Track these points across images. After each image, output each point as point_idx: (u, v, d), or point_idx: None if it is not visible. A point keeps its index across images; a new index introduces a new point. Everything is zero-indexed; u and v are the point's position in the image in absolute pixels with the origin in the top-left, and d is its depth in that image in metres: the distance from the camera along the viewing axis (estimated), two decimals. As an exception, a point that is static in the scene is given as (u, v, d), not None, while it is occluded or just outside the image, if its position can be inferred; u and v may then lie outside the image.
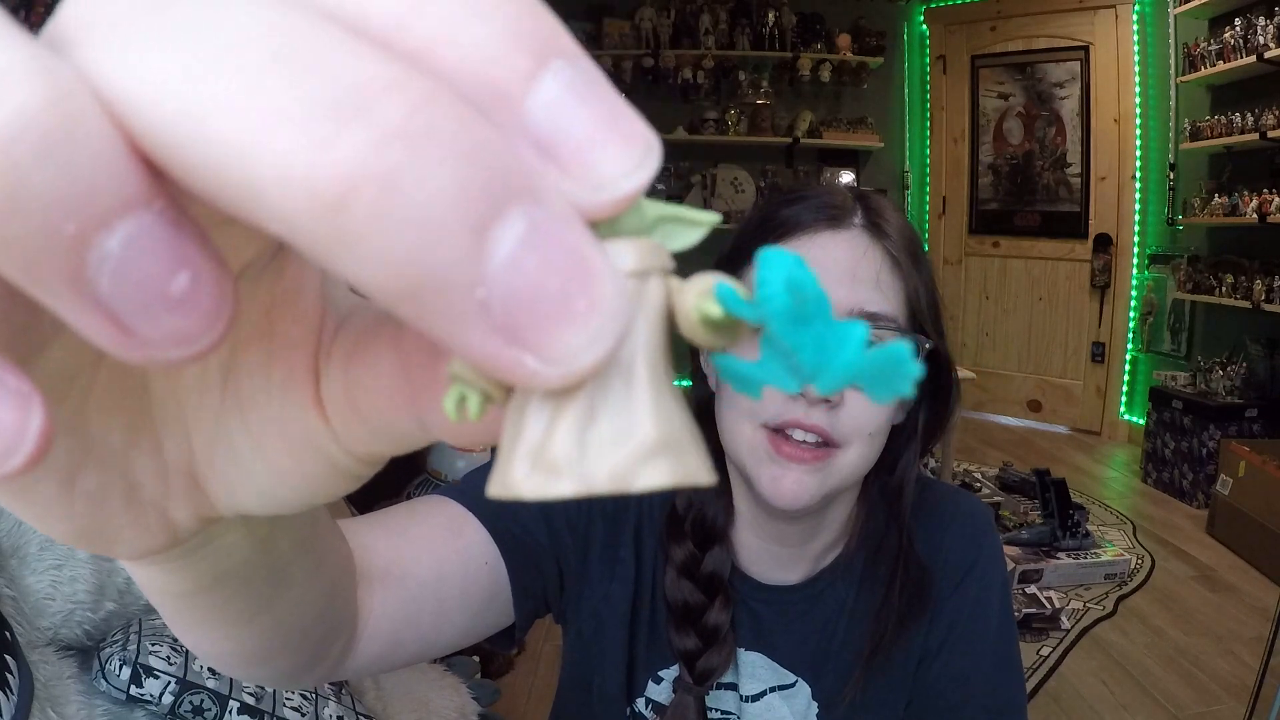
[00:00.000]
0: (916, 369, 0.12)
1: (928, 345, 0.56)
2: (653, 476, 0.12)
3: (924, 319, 0.56)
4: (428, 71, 0.11)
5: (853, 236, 0.55)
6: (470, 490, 0.57)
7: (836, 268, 0.54)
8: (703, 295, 0.13)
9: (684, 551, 0.62)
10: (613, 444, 0.12)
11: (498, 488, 0.13)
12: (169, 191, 0.11)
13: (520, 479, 0.12)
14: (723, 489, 0.63)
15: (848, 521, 0.66)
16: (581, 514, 0.62)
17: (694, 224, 0.14)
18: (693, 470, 0.13)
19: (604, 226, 0.13)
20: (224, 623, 0.25)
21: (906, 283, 0.55)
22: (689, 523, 0.63)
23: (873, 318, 0.53)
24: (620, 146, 0.12)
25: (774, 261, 0.12)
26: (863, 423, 0.55)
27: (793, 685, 0.65)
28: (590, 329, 0.11)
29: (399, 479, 2.33)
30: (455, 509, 0.55)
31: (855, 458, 0.56)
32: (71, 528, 0.16)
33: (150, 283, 0.10)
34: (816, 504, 0.57)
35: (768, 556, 0.65)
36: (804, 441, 0.54)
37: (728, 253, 0.61)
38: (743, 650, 0.65)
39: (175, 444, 0.17)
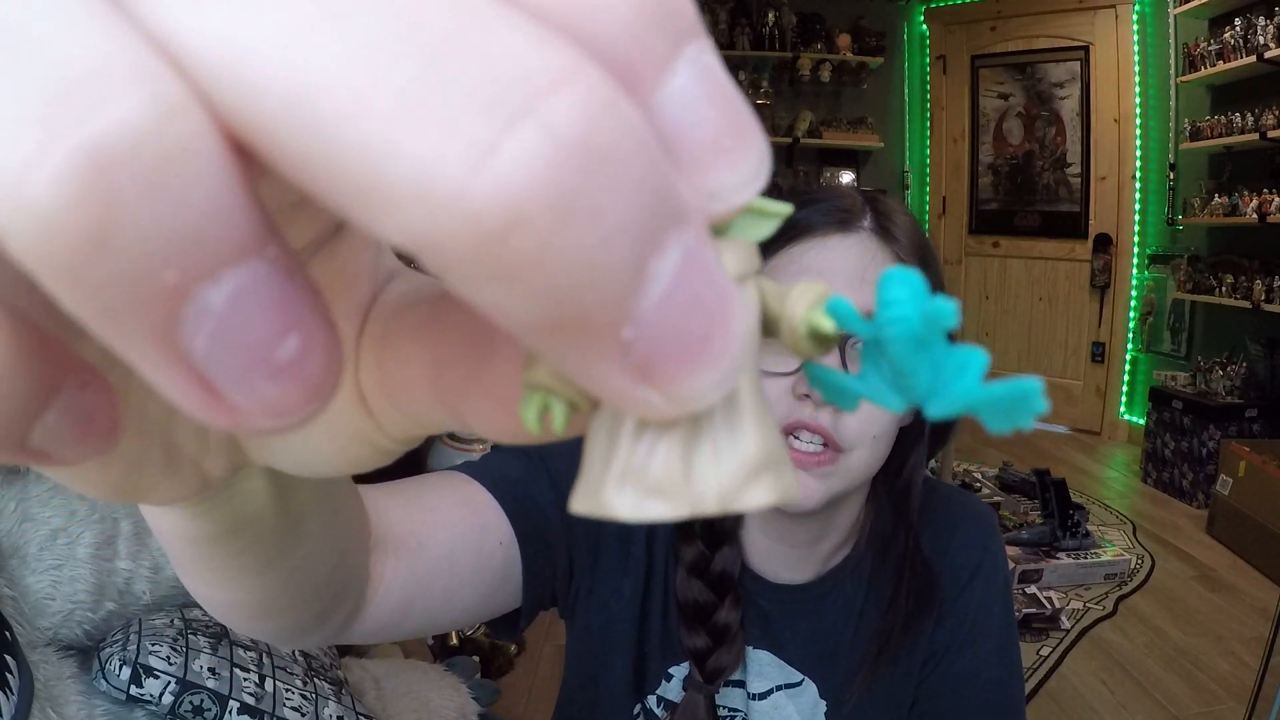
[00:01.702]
0: (1043, 405, 0.11)
1: None
2: (758, 495, 0.12)
3: None
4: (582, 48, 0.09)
5: (861, 240, 0.55)
6: (490, 470, 0.57)
7: (846, 271, 0.54)
8: (814, 308, 0.12)
9: (694, 551, 0.62)
10: (718, 463, 0.12)
11: (587, 504, 0.12)
12: (281, 234, 0.09)
13: (614, 497, 0.12)
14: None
15: (856, 522, 0.66)
16: None
17: (769, 215, 0.13)
18: (790, 486, 0.12)
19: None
20: (237, 571, 0.25)
21: None
22: (699, 522, 0.63)
23: None
24: (741, 153, 0.10)
25: (901, 280, 0.12)
26: (868, 426, 0.55)
27: (799, 684, 0.65)
28: (721, 370, 0.10)
29: (399, 479, 2.33)
30: (474, 487, 0.55)
31: (861, 461, 0.56)
32: (107, 489, 0.16)
33: (254, 346, 0.09)
34: (822, 507, 0.57)
35: (776, 556, 0.65)
36: (810, 446, 0.54)
37: None
38: (751, 648, 0.65)
39: None
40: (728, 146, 0.10)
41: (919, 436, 0.62)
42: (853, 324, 0.12)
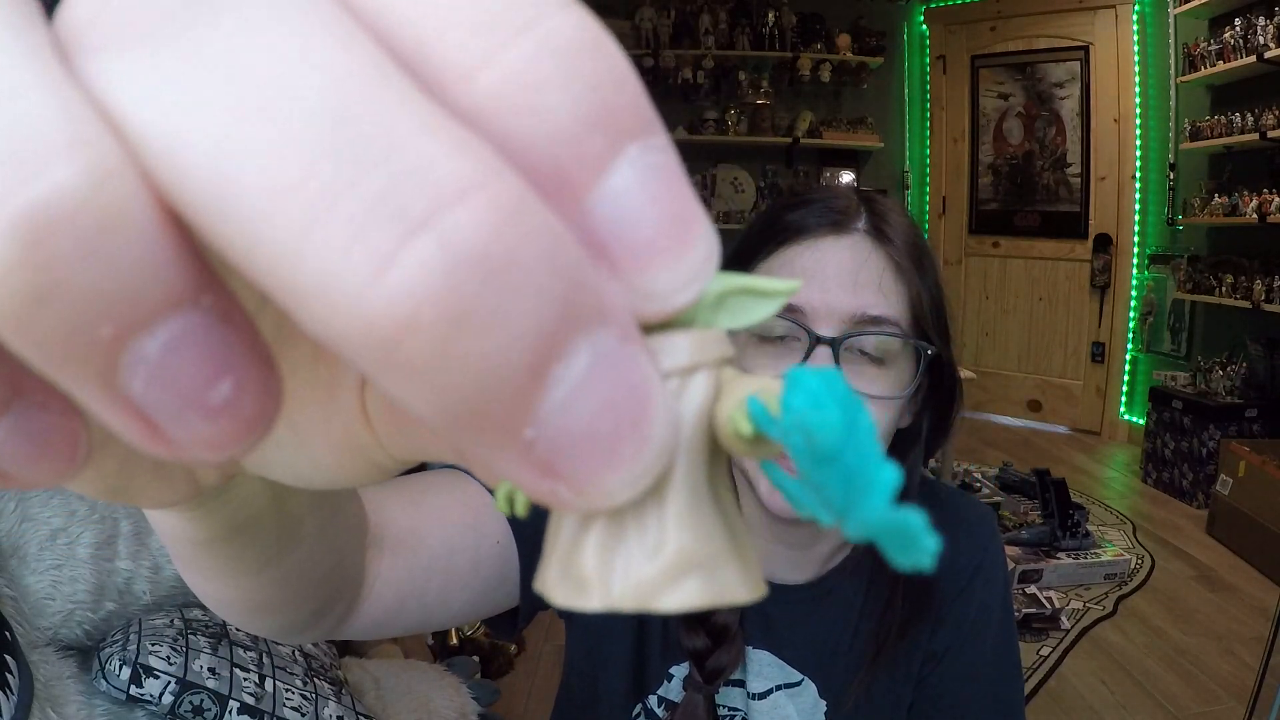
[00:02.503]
0: (933, 544, 0.10)
1: (930, 351, 0.56)
2: (678, 597, 0.11)
3: (927, 324, 0.56)
4: (498, 154, 0.09)
5: (856, 241, 0.55)
6: None
7: (839, 272, 0.54)
8: (738, 408, 0.12)
9: None
10: (639, 561, 0.11)
11: (538, 585, 0.12)
12: (221, 282, 0.10)
13: (553, 584, 0.12)
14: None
15: None
16: None
17: (767, 296, 0.13)
18: (728, 588, 0.12)
19: None
20: (235, 571, 0.25)
21: (909, 288, 0.55)
22: None
23: (875, 321, 0.53)
24: (680, 253, 0.10)
25: (801, 385, 0.10)
26: None
27: (799, 684, 0.65)
28: (634, 472, 0.10)
29: (397, 476, 2.33)
30: (473, 487, 0.55)
31: None
32: (98, 487, 0.16)
33: (188, 389, 0.09)
34: (815, 527, 0.57)
35: (775, 557, 0.65)
36: None
37: (731, 256, 0.60)
38: (751, 648, 0.65)
39: None
40: (664, 246, 0.10)
41: (916, 438, 0.62)
42: (770, 429, 0.11)
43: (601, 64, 0.10)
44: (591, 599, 0.12)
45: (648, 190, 0.10)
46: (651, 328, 0.12)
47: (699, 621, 0.62)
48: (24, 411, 0.10)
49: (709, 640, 0.61)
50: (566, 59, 0.09)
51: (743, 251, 0.60)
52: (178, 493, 0.18)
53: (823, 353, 0.52)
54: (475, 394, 0.09)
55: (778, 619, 0.65)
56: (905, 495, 0.63)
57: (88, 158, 0.08)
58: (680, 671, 0.65)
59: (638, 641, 0.65)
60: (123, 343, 0.09)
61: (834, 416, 0.10)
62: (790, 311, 0.53)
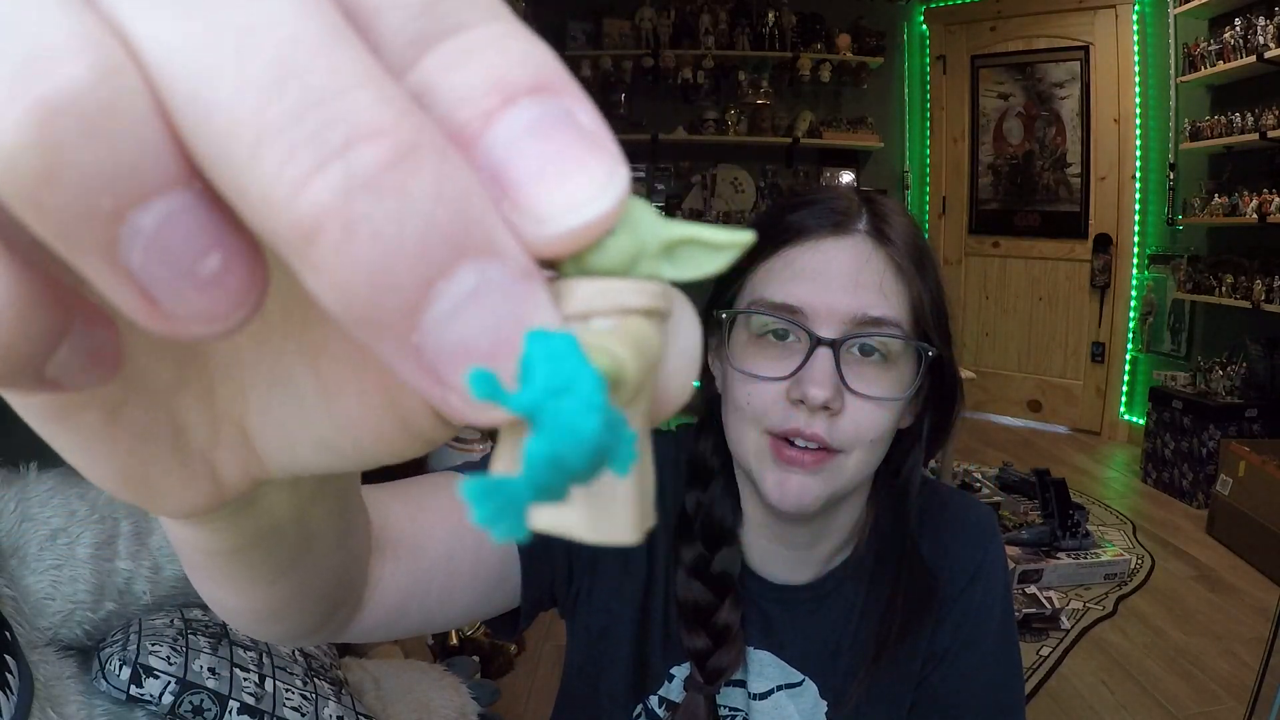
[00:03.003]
0: (596, 399, 0.11)
1: (930, 353, 0.56)
2: (552, 520, 0.12)
3: (928, 325, 0.56)
4: (418, 109, 0.11)
5: (857, 243, 0.55)
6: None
7: (841, 274, 0.54)
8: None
9: (693, 552, 0.62)
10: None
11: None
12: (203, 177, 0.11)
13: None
14: (731, 489, 0.63)
15: (857, 524, 0.66)
16: None
17: (717, 248, 0.13)
18: (607, 529, 0.12)
19: (588, 256, 0.12)
20: (249, 581, 0.25)
21: (910, 289, 0.55)
22: (698, 524, 0.63)
23: (876, 323, 0.53)
24: (566, 176, 0.12)
25: (541, 361, 0.11)
26: (864, 429, 0.55)
27: (800, 684, 0.65)
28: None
29: (399, 479, 2.33)
30: None
31: (857, 462, 0.56)
32: (114, 468, 0.16)
33: (180, 261, 0.11)
34: (820, 507, 0.57)
35: (777, 558, 0.65)
36: (806, 447, 0.54)
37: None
38: (751, 649, 0.65)
39: (229, 390, 0.17)
40: (550, 173, 0.12)
41: (917, 438, 0.62)
42: (506, 402, 0.11)
43: (515, 45, 0.12)
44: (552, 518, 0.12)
45: (534, 130, 0.12)
46: (569, 273, 0.13)
47: (700, 622, 0.62)
48: (80, 331, 0.12)
49: (710, 640, 0.61)
50: (484, 37, 0.12)
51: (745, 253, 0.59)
52: (199, 495, 0.17)
53: (823, 354, 0.52)
54: (367, 295, 0.11)
55: (778, 619, 0.65)
56: (906, 495, 0.63)
57: (95, 56, 0.10)
58: (681, 672, 0.65)
59: (638, 642, 0.65)
60: (122, 215, 0.10)
61: (592, 422, 0.11)
62: (791, 313, 0.53)
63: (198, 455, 0.17)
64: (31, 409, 0.15)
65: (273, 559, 0.24)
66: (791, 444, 0.54)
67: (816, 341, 0.53)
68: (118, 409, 0.15)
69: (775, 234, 0.56)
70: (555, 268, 0.13)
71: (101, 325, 0.13)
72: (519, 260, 0.12)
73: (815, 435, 0.54)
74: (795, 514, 0.56)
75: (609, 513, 0.13)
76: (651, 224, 0.13)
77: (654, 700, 0.66)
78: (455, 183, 0.11)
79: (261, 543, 0.23)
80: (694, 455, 0.65)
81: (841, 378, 0.53)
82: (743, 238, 0.13)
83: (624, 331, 0.12)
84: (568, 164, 0.12)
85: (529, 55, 0.12)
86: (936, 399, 0.61)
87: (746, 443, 0.57)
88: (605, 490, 0.13)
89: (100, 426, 0.15)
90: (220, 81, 0.10)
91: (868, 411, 0.54)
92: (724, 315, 0.57)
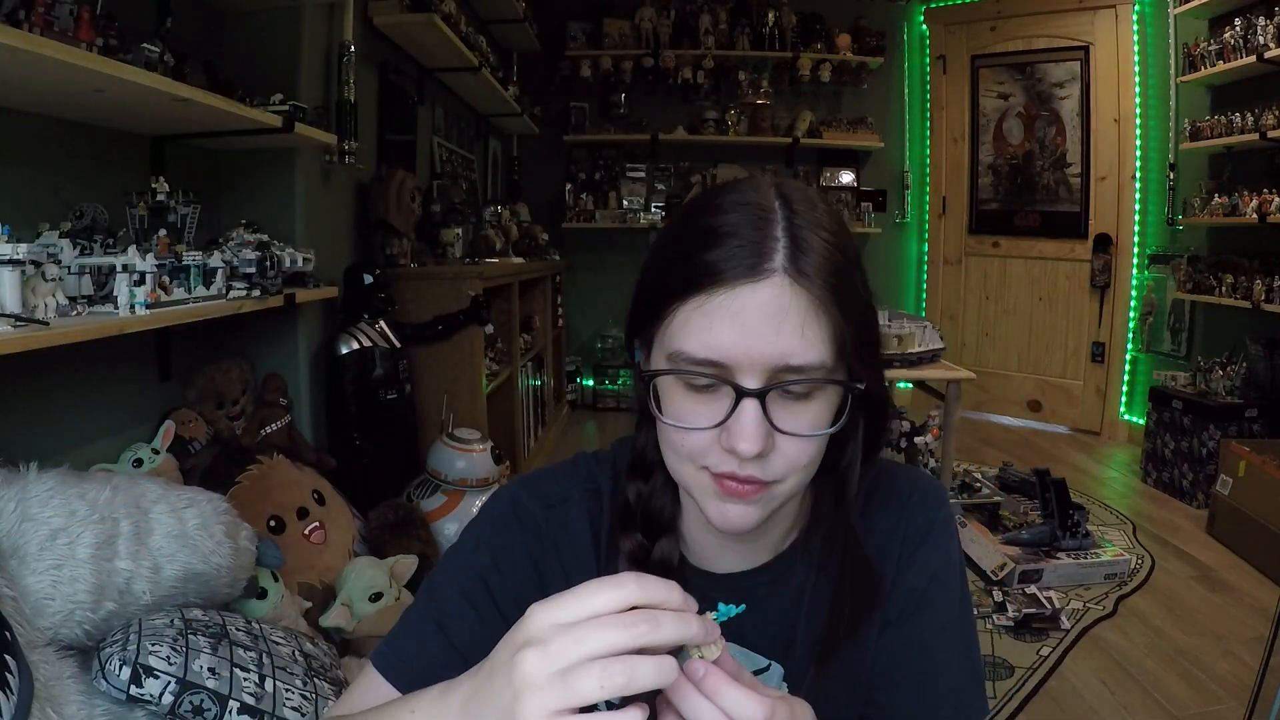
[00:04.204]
0: None
1: (857, 389, 0.55)
2: None
3: (852, 358, 0.54)
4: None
5: (775, 285, 0.52)
6: (402, 670, 0.61)
7: (760, 322, 0.51)
8: None
9: (633, 542, 0.63)
10: None
11: None
12: None
13: None
14: (671, 482, 0.63)
15: (803, 508, 0.67)
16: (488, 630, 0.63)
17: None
18: None
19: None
20: None
21: (832, 324, 0.52)
22: (639, 514, 0.64)
23: (799, 370, 0.52)
24: None
25: None
26: (796, 461, 0.55)
27: (766, 669, 0.65)
28: None
29: (399, 480, 2.33)
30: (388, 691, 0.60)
31: (794, 485, 0.56)
32: None
33: None
34: (762, 524, 0.58)
35: (725, 551, 0.66)
36: (747, 480, 0.54)
37: (643, 295, 0.58)
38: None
39: None
40: None
41: (853, 433, 0.62)
42: None
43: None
44: None
45: None
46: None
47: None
48: None
49: None
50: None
51: (656, 293, 0.56)
52: None
53: (750, 405, 0.52)
54: None
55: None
56: (844, 492, 0.63)
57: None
58: None
59: None
60: None
61: None
62: (713, 366, 0.52)
63: None
64: None
65: None
66: (731, 478, 0.54)
67: (741, 394, 0.52)
68: None
69: (690, 274, 0.53)
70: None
71: None
72: None
73: (750, 478, 0.54)
74: (736, 534, 0.57)
75: None
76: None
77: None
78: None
79: None
80: (635, 448, 0.66)
81: (771, 422, 0.52)
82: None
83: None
84: None
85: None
86: (867, 414, 0.61)
87: (684, 475, 0.57)
88: None
89: None
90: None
91: (799, 446, 0.54)
92: (646, 375, 0.56)
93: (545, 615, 0.39)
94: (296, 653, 1.29)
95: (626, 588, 0.39)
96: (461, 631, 0.62)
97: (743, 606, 0.44)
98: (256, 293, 1.65)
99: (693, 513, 0.64)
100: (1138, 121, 4.14)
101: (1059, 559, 2.56)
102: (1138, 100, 4.13)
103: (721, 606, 0.43)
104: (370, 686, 0.62)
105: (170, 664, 1.06)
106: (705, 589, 0.65)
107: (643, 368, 0.59)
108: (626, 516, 0.64)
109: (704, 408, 0.54)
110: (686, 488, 0.59)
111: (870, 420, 0.62)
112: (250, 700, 1.11)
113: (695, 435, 0.54)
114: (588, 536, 0.66)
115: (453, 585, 0.64)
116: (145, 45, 1.35)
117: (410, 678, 0.60)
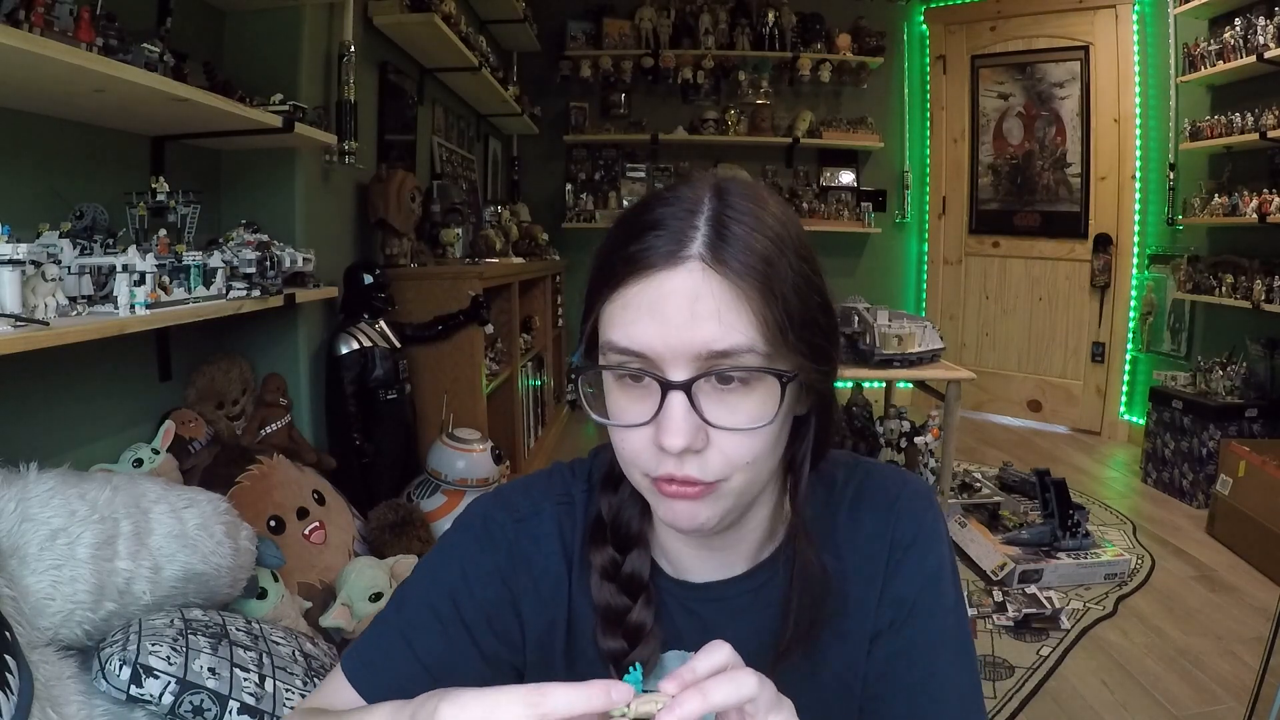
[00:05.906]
0: None
1: (786, 378, 0.52)
2: None
3: (786, 341, 0.52)
4: None
5: (690, 272, 0.50)
6: (365, 678, 0.61)
7: (677, 310, 0.50)
8: None
9: (604, 556, 0.63)
10: None
11: None
12: None
13: None
14: (638, 494, 0.62)
15: (781, 515, 0.65)
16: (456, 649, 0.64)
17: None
18: None
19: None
20: None
21: (754, 312, 0.50)
22: (610, 528, 0.63)
23: (724, 355, 0.50)
24: None
25: None
26: (736, 458, 0.53)
27: None
28: None
29: (399, 479, 2.33)
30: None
31: (741, 483, 0.54)
32: None
33: None
34: (721, 523, 0.56)
35: (701, 559, 0.64)
36: (685, 482, 0.53)
37: (589, 290, 0.57)
38: (688, 653, 0.64)
39: None
40: None
41: (805, 433, 0.61)
42: None
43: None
44: None
45: None
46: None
47: (615, 623, 0.61)
48: None
49: (625, 642, 0.61)
50: None
51: (590, 286, 0.56)
52: None
53: (676, 398, 0.50)
54: None
55: (715, 618, 0.64)
56: (795, 490, 0.61)
57: None
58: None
59: (567, 643, 0.65)
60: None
61: None
62: (638, 357, 0.51)
63: None
64: None
65: None
66: (671, 480, 0.53)
67: (666, 387, 0.50)
68: None
69: (618, 266, 0.52)
70: None
71: None
72: None
73: (688, 478, 0.52)
74: (697, 534, 0.56)
75: None
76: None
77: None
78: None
79: None
80: (605, 461, 0.65)
81: (701, 415, 0.51)
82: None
83: None
84: None
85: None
86: (818, 407, 0.60)
87: (635, 480, 0.57)
88: None
89: None
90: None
91: (736, 441, 0.52)
92: (575, 370, 0.56)
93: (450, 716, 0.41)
94: (297, 653, 1.29)
95: (539, 704, 0.40)
96: (427, 646, 0.62)
97: (640, 667, 0.46)
98: (256, 293, 1.65)
99: (665, 527, 0.63)
100: (1138, 121, 4.14)
101: (1059, 559, 2.56)
102: (1138, 100, 4.13)
103: (632, 670, 0.45)
104: (337, 689, 0.62)
105: (170, 664, 1.06)
106: (684, 599, 0.64)
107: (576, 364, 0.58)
108: (598, 530, 0.64)
109: (638, 404, 0.53)
110: (642, 493, 0.58)
111: (818, 416, 0.60)
112: (250, 700, 1.11)
113: (632, 436, 0.53)
114: (559, 551, 0.65)
115: (421, 599, 0.64)
116: (145, 45, 1.35)
117: (374, 687, 0.60)
